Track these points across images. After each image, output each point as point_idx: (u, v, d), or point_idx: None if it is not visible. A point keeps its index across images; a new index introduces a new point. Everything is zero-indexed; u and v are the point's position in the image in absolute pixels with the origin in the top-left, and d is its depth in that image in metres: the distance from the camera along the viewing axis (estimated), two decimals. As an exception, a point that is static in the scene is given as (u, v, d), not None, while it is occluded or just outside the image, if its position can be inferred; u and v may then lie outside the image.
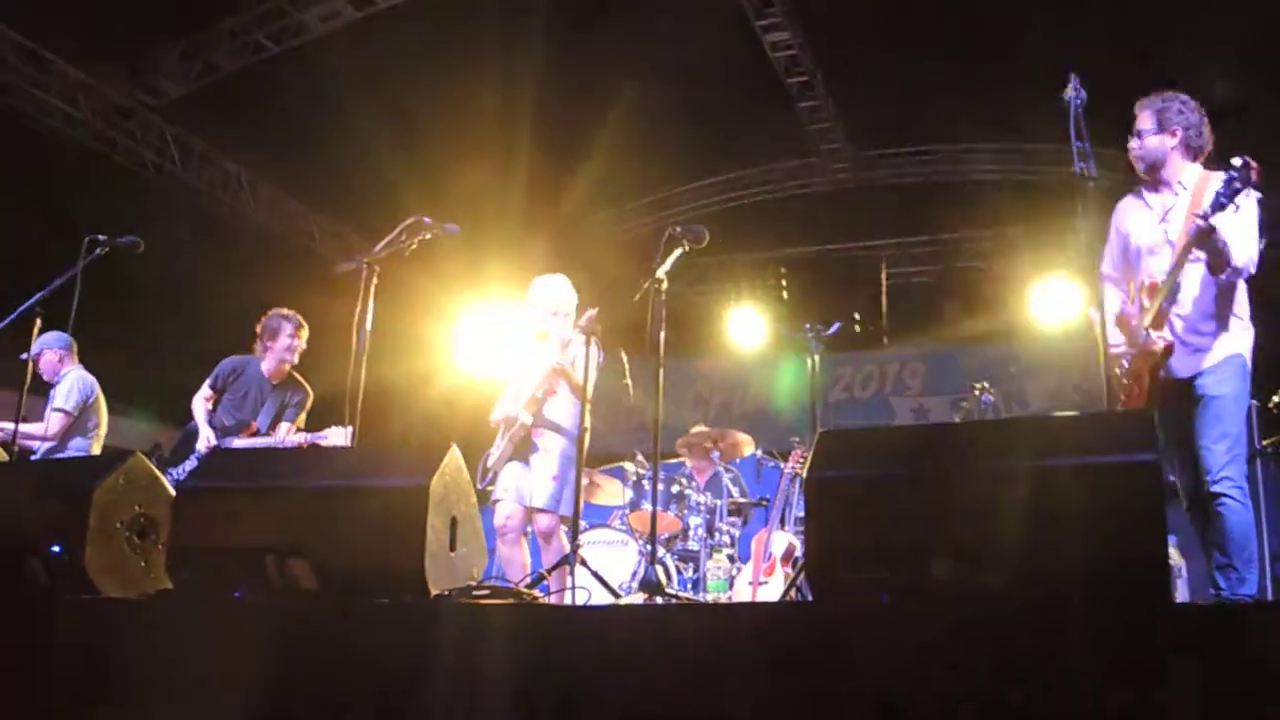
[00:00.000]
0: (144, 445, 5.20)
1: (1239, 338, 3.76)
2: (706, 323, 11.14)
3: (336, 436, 5.19)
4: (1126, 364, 3.85)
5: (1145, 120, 3.86)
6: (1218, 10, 6.91)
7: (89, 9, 7.43)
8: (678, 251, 4.39)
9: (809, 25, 8.42)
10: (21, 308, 5.10)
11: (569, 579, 4.09)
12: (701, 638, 2.58)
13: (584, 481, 5.51)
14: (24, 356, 5.36)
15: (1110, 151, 4.02)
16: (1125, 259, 3.98)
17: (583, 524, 6.12)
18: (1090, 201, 3.72)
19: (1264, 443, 5.68)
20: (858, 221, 10.52)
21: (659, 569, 4.51)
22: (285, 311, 5.80)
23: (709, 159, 10.36)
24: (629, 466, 6.88)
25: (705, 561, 6.37)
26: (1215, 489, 3.59)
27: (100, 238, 5.10)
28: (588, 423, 4.45)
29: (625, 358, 5.41)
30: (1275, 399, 5.64)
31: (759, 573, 5.83)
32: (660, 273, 4.27)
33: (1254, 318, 3.84)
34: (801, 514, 6.08)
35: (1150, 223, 3.88)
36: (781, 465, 6.49)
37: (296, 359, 5.80)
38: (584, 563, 4.18)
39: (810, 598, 2.85)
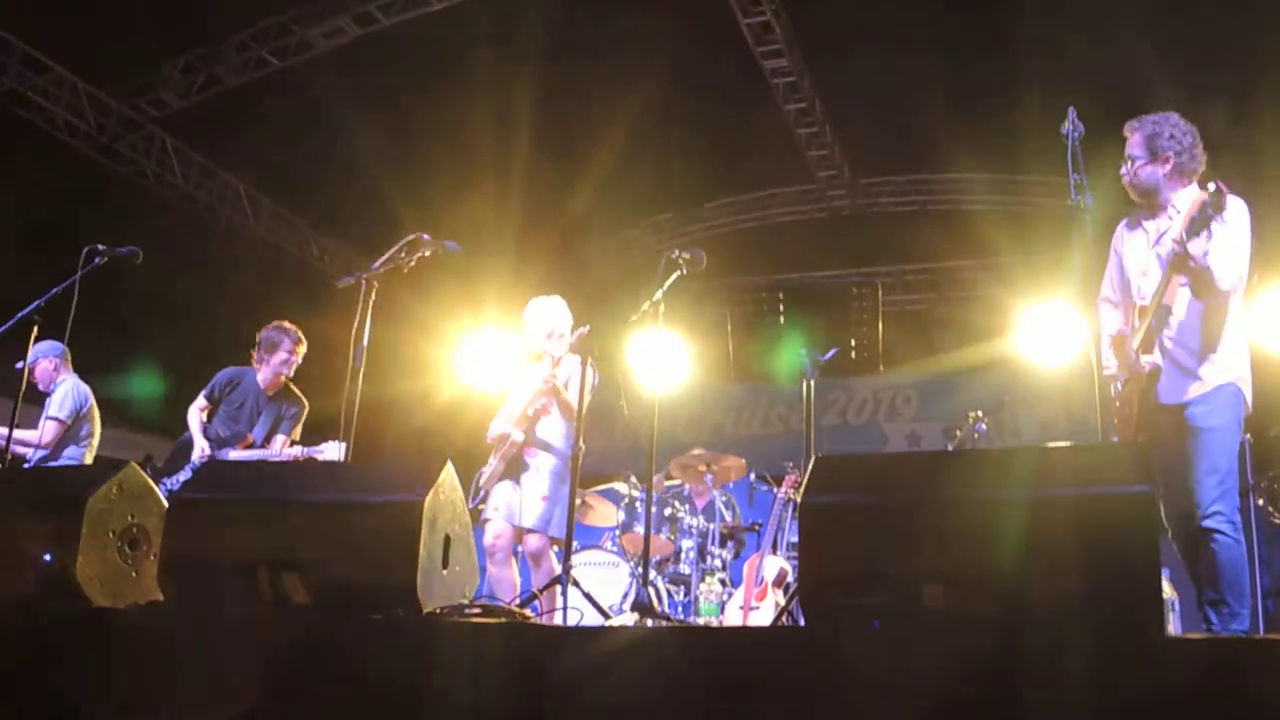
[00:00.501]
0: (137, 455, 5.17)
1: (1232, 364, 3.69)
2: (702, 346, 11.16)
3: (332, 451, 5.19)
4: (1120, 387, 3.83)
5: (1136, 147, 3.83)
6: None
7: (95, 20, 7.47)
8: (675, 275, 4.42)
9: (808, 53, 8.50)
10: (18, 315, 5.10)
11: (560, 599, 4.08)
12: (693, 661, 2.57)
13: (576, 502, 5.51)
14: (20, 365, 5.35)
15: (1105, 181, 4.05)
16: (1124, 283, 3.98)
17: (574, 544, 6.13)
18: (1085, 232, 3.73)
19: (1258, 478, 5.68)
20: (855, 248, 10.58)
21: (650, 591, 4.50)
22: (285, 325, 5.81)
23: (708, 184, 10.43)
24: (622, 488, 6.87)
25: (697, 585, 6.36)
26: (1206, 524, 3.54)
27: (99, 248, 5.10)
28: (581, 443, 4.45)
29: (620, 379, 5.42)
30: (1275, 430, 5.61)
31: (750, 597, 5.81)
32: (658, 295, 4.29)
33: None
34: (794, 539, 6.09)
35: (1144, 246, 3.88)
36: (775, 490, 6.49)
37: (292, 372, 5.81)
38: (575, 583, 4.17)
39: (803, 623, 2.84)
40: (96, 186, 8.64)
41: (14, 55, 7.92)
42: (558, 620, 4.07)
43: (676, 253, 4.46)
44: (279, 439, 5.67)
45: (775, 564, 5.92)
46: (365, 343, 4.46)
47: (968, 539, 2.52)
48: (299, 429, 5.79)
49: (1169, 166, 3.78)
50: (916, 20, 7.72)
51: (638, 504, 6.62)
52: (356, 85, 8.24)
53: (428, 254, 4.70)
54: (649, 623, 4.07)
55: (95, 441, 6.25)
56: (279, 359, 5.73)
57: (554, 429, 5.14)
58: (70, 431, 6.07)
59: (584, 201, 9.78)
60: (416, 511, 2.99)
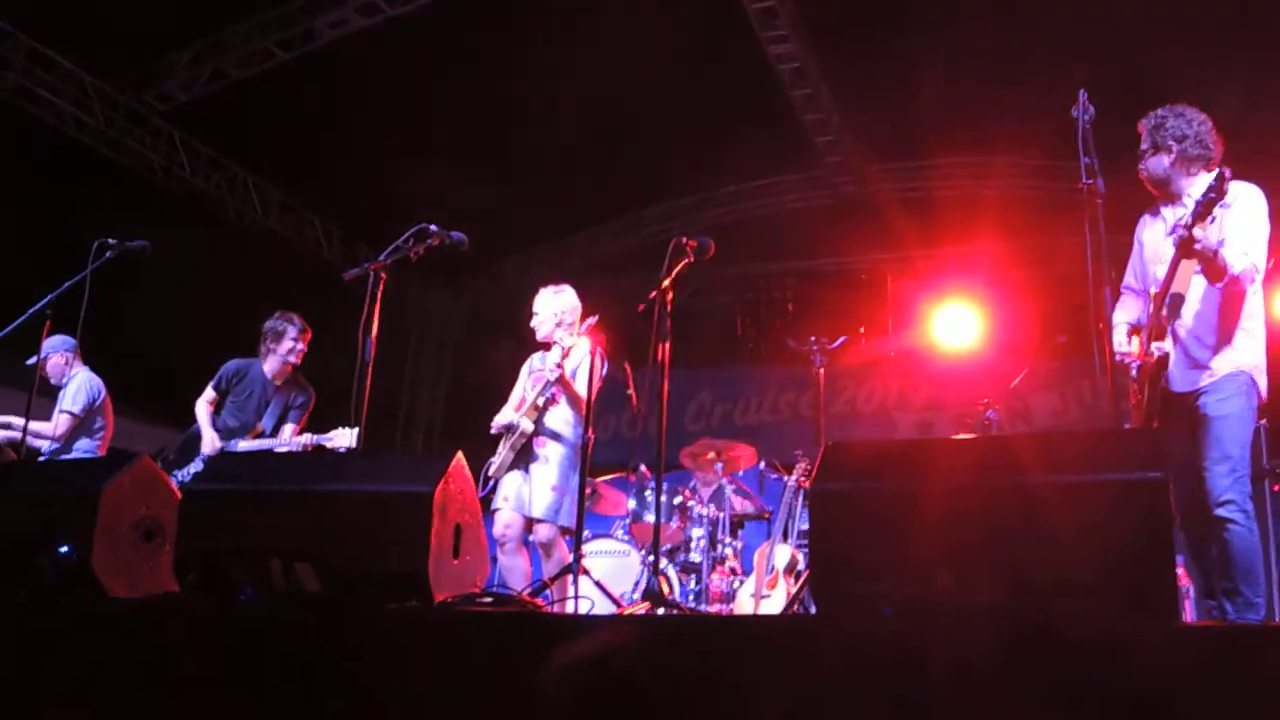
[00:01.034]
0: (150, 447, 5.19)
1: (1245, 352, 3.68)
2: (710, 334, 11.15)
3: (343, 438, 5.20)
4: (1135, 374, 3.83)
5: (1143, 141, 3.90)
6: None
7: (100, 14, 7.47)
8: (683, 262, 4.40)
9: (814, 38, 8.45)
10: (30, 310, 5.12)
11: (571, 588, 4.09)
12: (704, 650, 2.57)
13: (586, 491, 5.52)
14: (31, 361, 5.38)
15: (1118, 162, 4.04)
16: (1144, 271, 4.00)
17: (585, 533, 6.14)
18: (1096, 216, 3.71)
19: (1274, 463, 5.63)
20: (863, 234, 10.53)
21: (661, 580, 4.51)
22: (289, 314, 5.83)
23: (715, 171, 10.39)
24: (631, 478, 6.88)
25: (708, 573, 6.37)
26: (1219, 513, 3.53)
27: (109, 241, 5.12)
28: (590, 432, 4.46)
29: (629, 368, 5.42)
30: None
31: (761, 586, 5.82)
32: (665, 283, 4.28)
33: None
34: (804, 527, 6.08)
35: (1161, 234, 3.90)
36: (785, 478, 6.49)
37: (299, 361, 5.83)
38: (586, 572, 4.18)
39: (814, 611, 2.84)
40: (105, 181, 8.66)
41: (19, 51, 7.93)
42: (569, 609, 4.08)
43: (684, 240, 4.44)
44: (287, 428, 5.70)
45: (786, 552, 5.92)
46: (374, 333, 4.48)
47: (979, 526, 2.52)
48: (307, 417, 5.82)
49: (1172, 156, 3.82)
50: (922, 2, 7.68)
51: (648, 493, 6.63)
52: (364, 75, 8.24)
53: (435, 244, 4.71)
54: (660, 611, 4.08)
55: (109, 434, 6.29)
56: (285, 348, 5.75)
57: (562, 419, 5.14)
58: (83, 425, 6.11)
59: (592, 189, 9.77)
60: (427, 502, 3.00)
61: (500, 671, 2.60)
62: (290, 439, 5.62)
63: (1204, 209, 3.49)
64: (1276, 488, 5.95)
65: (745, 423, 10.92)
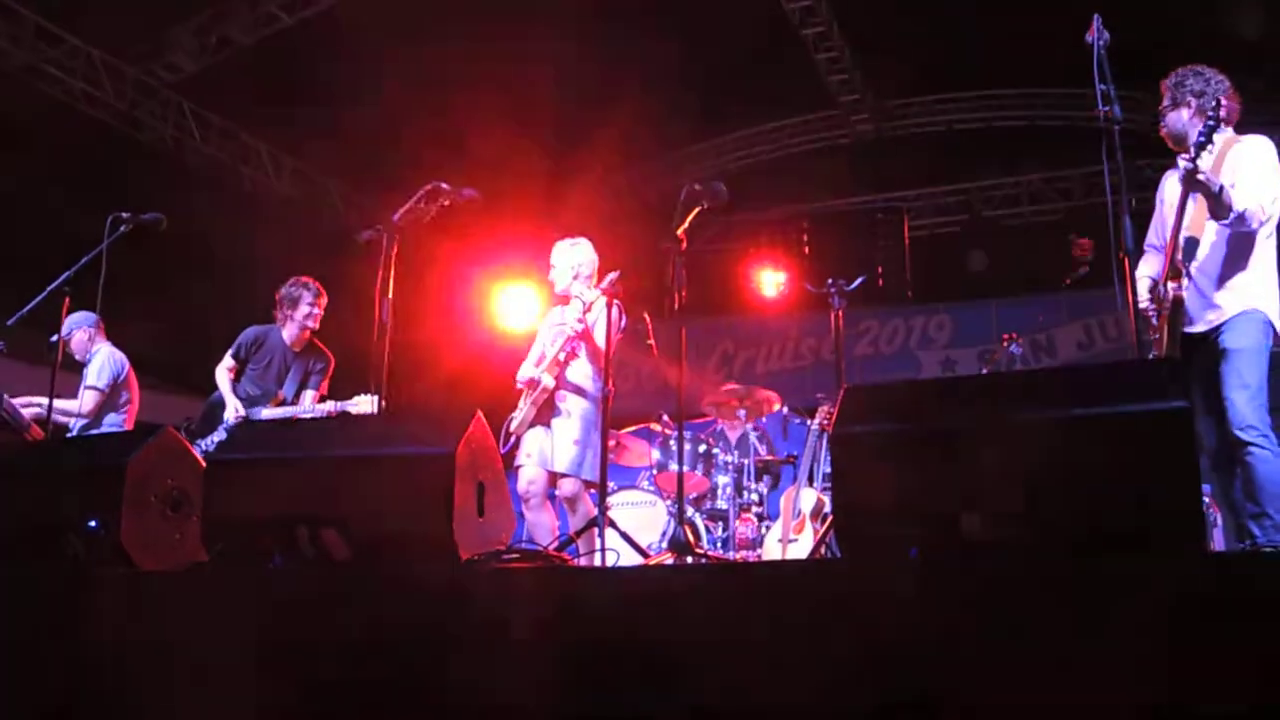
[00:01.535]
0: (175, 419, 5.23)
1: (1257, 292, 3.79)
2: (729, 281, 11.08)
3: (364, 404, 5.22)
4: (1155, 321, 3.93)
5: (1164, 99, 4.04)
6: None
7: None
8: (697, 209, 4.35)
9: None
10: (50, 287, 5.14)
11: (598, 540, 4.11)
12: (732, 596, 2.58)
13: (610, 443, 5.52)
14: (55, 339, 5.41)
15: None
16: (1164, 225, 4.07)
17: (611, 485, 6.16)
18: (1115, 144, 3.71)
19: None
20: (880, 173, 10.40)
21: (687, 529, 4.52)
22: (304, 279, 5.83)
23: (727, 115, 10.26)
24: (654, 426, 6.88)
25: (734, 520, 6.39)
26: (1241, 437, 3.62)
27: (124, 215, 5.12)
28: (610, 385, 4.45)
29: (648, 319, 5.40)
30: None
31: (788, 530, 5.84)
32: (679, 231, 4.24)
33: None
34: (829, 470, 6.08)
35: (1179, 188, 3.95)
36: (808, 421, 6.47)
37: (317, 325, 5.84)
38: (612, 524, 4.20)
39: (839, 554, 2.84)
40: (118, 155, 8.66)
41: (27, 28, 7.90)
42: (596, 561, 4.10)
43: (697, 186, 4.38)
44: (308, 394, 5.72)
45: (811, 496, 5.93)
46: (390, 294, 4.47)
47: (1002, 464, 2.50)
48: (327, 383, 5.84)
49: (1190, 110, 3.95)
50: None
51: (672, 443, 6.64)
52: (369, 37, 8.15)
53: (447, 203, 4.68)
54: (688, 560, 4.10)
55: (134, 408, 6.34)
56: (302, 313, 5.75)
57: (583, 373, 5.13)
58: (109, 400, 6.16)
59: (604, 139, 9.66)
60: (449, 462, 3.01)
61: (529, 626, 2.62)
62: (312, 405, 5.65)
63: (1205, 139, 3.67)
64: None
65: (768, 369, 10.89)
